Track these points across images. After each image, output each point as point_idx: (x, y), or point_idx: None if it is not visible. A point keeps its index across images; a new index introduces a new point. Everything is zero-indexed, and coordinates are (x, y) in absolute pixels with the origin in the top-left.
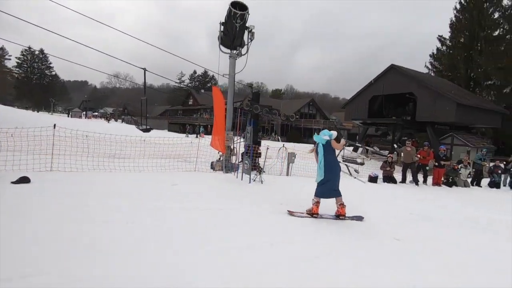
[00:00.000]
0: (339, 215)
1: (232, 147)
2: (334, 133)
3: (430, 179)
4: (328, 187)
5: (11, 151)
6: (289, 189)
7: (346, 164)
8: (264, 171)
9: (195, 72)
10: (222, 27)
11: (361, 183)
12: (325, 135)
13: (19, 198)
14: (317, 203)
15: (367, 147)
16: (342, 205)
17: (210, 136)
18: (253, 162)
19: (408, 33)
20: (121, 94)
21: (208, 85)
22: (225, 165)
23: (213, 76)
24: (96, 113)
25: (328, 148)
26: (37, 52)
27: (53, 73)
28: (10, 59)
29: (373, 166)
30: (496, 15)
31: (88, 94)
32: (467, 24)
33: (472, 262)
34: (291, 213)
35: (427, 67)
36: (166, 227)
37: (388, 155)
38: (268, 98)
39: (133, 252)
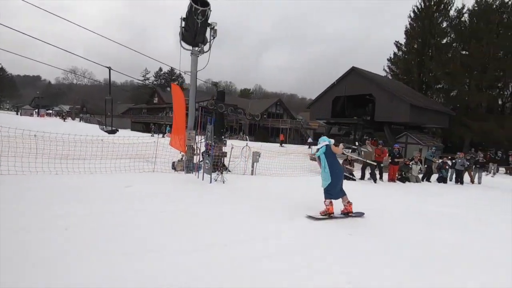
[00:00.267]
0: (348, 213)
1: (194, 146)
2: (332, 140)
3: (386, 176)
4: (337, 188)
5: None
6: (251, 189)
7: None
8: (229, 171)
9: (160, 69)
10: (183, 22)
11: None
12: (324, 141)
13: None
14: (331, 203)
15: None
16: (349, 203)
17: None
18: (218, 162)
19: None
20: (79, 90)
21: (175, 83)
22: (186, 165)
23: (180, 74)
24: (50, 111)
25: (329, 153)
26: None
27: None
28: None
29: None
30: (444, 24)
31: (41, 90)
32: (419, 32)
33: (419, 254)
34: (311, 217)
35: (385, 71)
36: (108, 232)
37: (349, 154)
38: (237, 98)
39: (62, 260)
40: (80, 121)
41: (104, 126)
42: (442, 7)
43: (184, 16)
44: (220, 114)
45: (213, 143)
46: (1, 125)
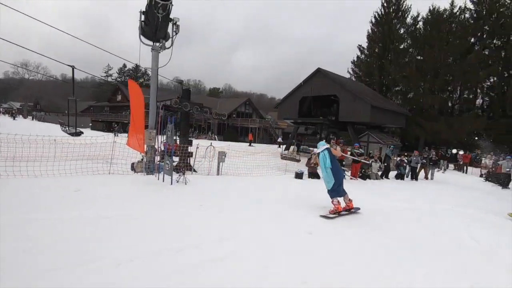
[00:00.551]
0: (350, 209)
1: (156, 146)
2: (324, 146)
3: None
4: (341, 187)
5: None
6: (214, 189)
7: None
8: (195, 171)
9: (124, 66)
10: (142, 16)
11: (289, 179)
12: (323, 145)
13: None
14: (338, 202)
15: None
16: (350, 200)
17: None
18: (181, 162)
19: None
20: (32, 86)
21: (140, 80)
22: (147, 166)
23: (145, 71)
24: None
25: (332, 157)
26: None
27: None
28: None
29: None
30: (402, 30)
31: None
32: (380, 37)
33: (367, 250)
34: (324, 216)
35: (349, 73)
36: (42, 241)
37: (312, 152)
38: (205, 97)
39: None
40: (33, 119)
41: (67, 128)
42: (400, 14)
43: (144, 9)
44: (186, 113)
45: (173, 143)
46: None
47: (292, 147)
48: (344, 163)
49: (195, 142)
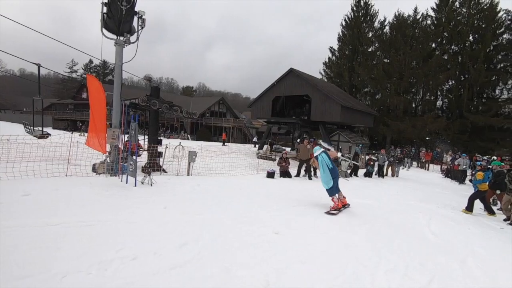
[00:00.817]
0: (344, 205)
1: (120, 146)
2: (321, 149)
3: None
4: (337, 186)
5: None
6: (181, 190)
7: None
8: (165, 172)
9: (91, 61)
10: (105, 8)
11: (261, 178)
12: (320, 149)
13: None
14: (338, 199)
15: (271, 145)
16: (344, 197)
17: None
18: (150, 163)
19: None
20: None
21: (108, 77)
22: (110, 167)
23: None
24: None
25: (329, 158)
26: None
27: None
28: None
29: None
30: (370, 34)
31: None
32: (350, 39)
33: (333, 249)
34: (329, 213)
35: (321, 73)
36: None
37: (284, 152)
38: (179, 95)
39: None
40: None
41: (32, 129)
42: (368, 18)
43: (106, 0)
44: (155, 112)
45: (137, 142)
46: None
47: (265, 147)
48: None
49: (166, 141)
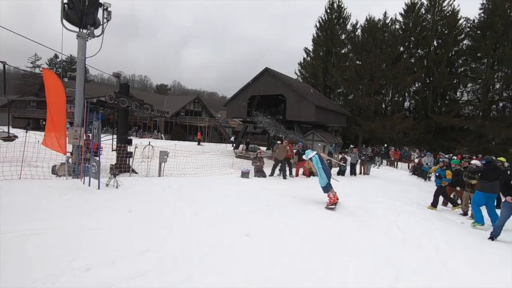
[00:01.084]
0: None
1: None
2: (314, 152)
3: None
4: (330, 183)
5: None
6: (150, 192)
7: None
8: (136, 173)
9: (56, 56)
10: None
11: (235, 178)
12: (312, 153)
13: None
14: (334, 195)
15: (247, 144)
16: (335, 193)
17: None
18: (121, 163)
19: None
20: None
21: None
22: (72, 169)
23: None
24: None
25: (322, 160)
26: None
27: None
28: None
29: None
30: (343, 36)
31: None
32: (324, 41)
33: (304, 250)
34: (329, 208)
35: (296, 74)
36: None
37: (259, 151)
38: (152, 93)
39: None
40: None
41: None
42: (341, 21)
43: None
44: (124, 110)
45: (100, 142)
46: None
47: (241, 146)
48: (292, 161)
49: (138, 141)
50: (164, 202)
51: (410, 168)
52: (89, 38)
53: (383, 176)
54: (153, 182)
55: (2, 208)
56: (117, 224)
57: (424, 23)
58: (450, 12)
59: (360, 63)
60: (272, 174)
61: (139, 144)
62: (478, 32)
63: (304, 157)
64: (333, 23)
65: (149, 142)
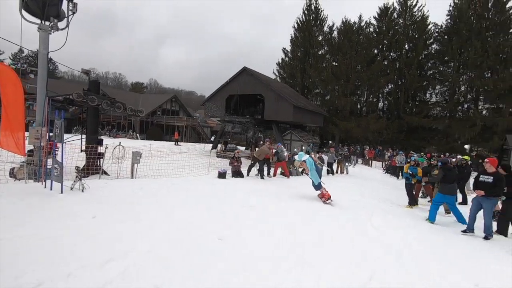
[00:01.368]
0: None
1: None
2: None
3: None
4: (320, 183)
5: None
6: (119, 195)
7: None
8: (107, 174)
9: (21, 51)
10: None
11: (212, 178)
12: (305, 155)
13: None
14: (325, 190)
15: (225, 144)
16: (327, 190)
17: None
18: (91, 165)
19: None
20: None
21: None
22: (33, 171)
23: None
24: None
25: (314, 162)
26: None
27: None
28: None
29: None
30: (320, 38)
31: None
32: (302, 42)
33: (277, 254)
34: (327, 203)
35: (275, 74)
36: None
37: (236, 151)
38: (127, 91)
39: None
40: None
41: None
42: (318, 22)
43: None
44: (94, 109)
45: (62, 142)
46: None
47: (219, 146)
48: (271, 161)
49: (110, 141)
50: (133, 205)
51: (383, 166)
52: (52, 31)
53: (358, 175)
54: (124, 184)
55: None
56: (79, 232)
57: (396, 27)
58: (420, 17)
59: (336, 64)
60: (248, 174)
61: (112, 145)
62: (445, 37)
63: (297, 158)
64: (310, 24)
65: (120, 142)
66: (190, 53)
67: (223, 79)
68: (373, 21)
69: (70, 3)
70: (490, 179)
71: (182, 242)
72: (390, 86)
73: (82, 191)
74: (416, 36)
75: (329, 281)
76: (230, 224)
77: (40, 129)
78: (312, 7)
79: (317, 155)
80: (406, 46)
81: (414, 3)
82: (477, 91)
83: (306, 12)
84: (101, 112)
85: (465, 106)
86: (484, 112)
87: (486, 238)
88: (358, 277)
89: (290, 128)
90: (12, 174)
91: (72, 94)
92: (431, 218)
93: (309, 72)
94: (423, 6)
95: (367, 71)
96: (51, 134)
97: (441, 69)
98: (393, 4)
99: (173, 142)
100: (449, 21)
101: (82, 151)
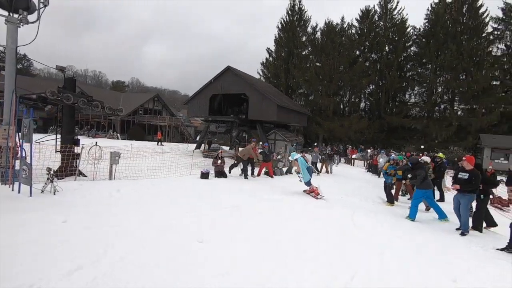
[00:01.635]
0: (312, 192)
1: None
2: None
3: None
4: (310, 180)
5: None
6: (94, 198)
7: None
8: (85, 176)
9: None
10: None
11: (194, 179)
12: (297, 155)
13: None
14: (314, 187)
15: (209, 143)
16: (315, 188)
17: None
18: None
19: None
20: None
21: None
22: (1, 174)
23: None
24: None
25: (305, 161)
26: None
27: None
28: None
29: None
30: (304, 38)
31: None
32: (286, 42)
33: (258, 255)
34: (319, 198)
35: (259, 73)
36: None
37: (220, 151)
38: (107, 90)
39: None
40: None
41: None
42: (302, 23)
43: None
44: (70, 107)
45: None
46: None
47: (203, 145)
48: (255, 160)
49: (89, 141)
50: (108, 208)
51: (365, 165)
52: (21, 24)
53: (342, 174)
54: (100, 186)
55: None
56: (46, 238)
57: (377, 29)
58: (399, 20)
59: (319, 65)
60: (229, 172)
61: (83, 145)
62: (423, 40)
63: (290, 158)
64: (294, 25)
65: (96, 142)
66: (174, 52)
67: (208, 78)
68: (355, 23)
69: None
70: (466, 176)
71: (159, 247)
72: (371, 87)
73: (54, 193)
74: (396, 38)
75: (312, 281)
76: (212, 226)
77: (7, 129)
78: (296, 7)
79: (301, 155)
80: (387, 48)
81: (394, 6)
82: (453, 92)
83: (290, 12)
84: (78, 111)
85: (442, 106)
86: (459, 112)
87: (462, 234)
88: (339, 277)
89: (274, 128)
90: None
91: (45, 91)
92: (412, 216)
93: (293, 72)
94: (403, 10)
95: (349, 71)
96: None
97: (420, 70)
98: (374, 6)
99: (156, 142)
100: (426, 24)
101: (57, 151)
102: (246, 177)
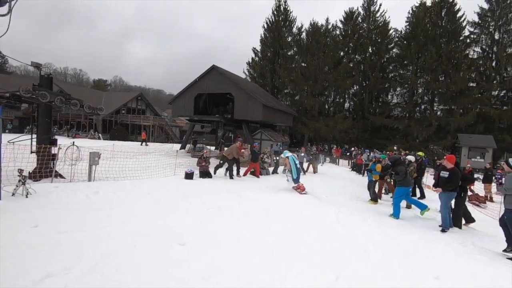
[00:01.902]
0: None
1: None
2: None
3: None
4: (299, 177)
5: None
6: (70, 201)
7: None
8: (63, 177)
9: None
10: None
11: (178, 179)
12: (289, 153)
13: None
14: (301, 184)
15: (195, 143)
16: (301, 184)
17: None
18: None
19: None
20: None
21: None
22: None
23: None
24: None
25: (296, 159)
26: None
27: None
28: None
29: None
30: (289, 38)
31: None
32: (272, 42)
33: (244, 256)
34: (304, 194)
35: (245, 73)
36: None
37: (205, 151)
38: (88, 89)
39: None
40: None
41: None
42: (287, 23)
43: None
44: (46, 106)
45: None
46: None
47: (188, 146)
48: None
49: (68, 142)
50: (85, 211)
51: (350, 165)
52: None
53: (327, 173)
54: (78, 188)
55: None
56: (14, 245)
57: (360, 31)
58: (382, 23)
59: (305, 65)
60: (215, 173)
61: (60, 145)
62: (405, 42)
63: (282, 155)
64: (280, 25)
65: (73, 142)
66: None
67: (193, 77)
68: (340, 25)
69: None
70: (446, 174)
71: (137, 251)
72: (355, 87)
73: (26, 196)
74: (379, 40)
75: (296, 282)
76: (195, 228)
77: None
78: (281, 8)
79: (292, 154)
80: (370, 49)
81: (377, 8)
82: (433, 93)
83: (275, 12)
84: (56, 110)
85: (422, 107)
86: (438, 113)
87: (443, 230)
88: (324, 278)
89: (260, 128)
90: None
91: (19, 89)
92: (396, 214)
93: (279, 72)
94: (385, 12)
95: (334, 72)
96: None
97: (401, 72)
98: (358, 8)
99: (139, 142)
100: (408, 27)
101: (33, 152)
102: (231, 177)
